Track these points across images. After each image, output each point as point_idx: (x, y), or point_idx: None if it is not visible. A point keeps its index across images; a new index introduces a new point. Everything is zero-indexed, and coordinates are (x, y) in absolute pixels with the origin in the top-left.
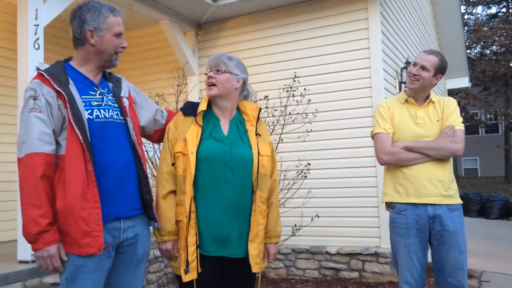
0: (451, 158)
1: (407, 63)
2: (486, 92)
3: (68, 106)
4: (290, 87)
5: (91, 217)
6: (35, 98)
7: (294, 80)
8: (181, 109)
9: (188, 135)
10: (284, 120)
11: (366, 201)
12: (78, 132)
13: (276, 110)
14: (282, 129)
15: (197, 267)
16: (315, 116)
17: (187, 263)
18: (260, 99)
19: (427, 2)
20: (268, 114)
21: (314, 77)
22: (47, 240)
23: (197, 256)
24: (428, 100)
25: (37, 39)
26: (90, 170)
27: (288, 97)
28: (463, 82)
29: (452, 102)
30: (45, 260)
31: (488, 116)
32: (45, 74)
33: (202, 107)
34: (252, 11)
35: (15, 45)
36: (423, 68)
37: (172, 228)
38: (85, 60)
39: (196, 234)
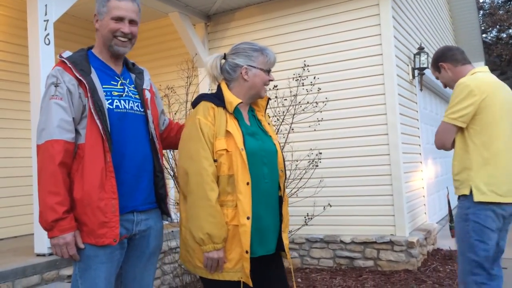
0: (461, 148)
1: (420, 48)
2: (503, 77)
3: (89, 95)
4: (299, 76)
5: (108, 208)
6: (56, 85)
7: (304, 69)
8: (207, 99)
9: (231, 129)
10: (294, 110)
11: (380, 190)
12: (98, 121)
13: (286, 99)
14: (293, 118)
15: (248, 271)
16: (325, 104)
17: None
18: (270, 89)
19: None
20: (278, 104)
21: (324, 65)
22: (63, 227)
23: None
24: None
25: (47, 34)
26: (109, 161)
27: (298, 86)
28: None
29: (455, 88)
30: (60, 248)
31: None
32: (67, 62)
33: (236, 98)
34: (260, 1)
35: (26, 41)
36: (436, 76)
37: (226, 234)
38: (99, 46)
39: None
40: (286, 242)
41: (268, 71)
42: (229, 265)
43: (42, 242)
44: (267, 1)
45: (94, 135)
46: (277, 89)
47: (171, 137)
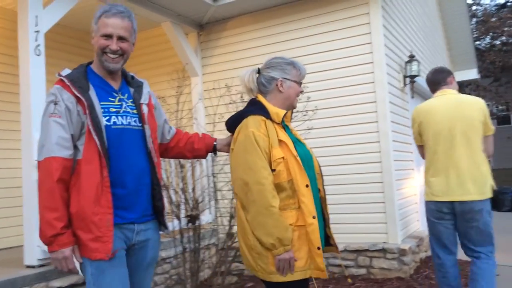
0: (425, 154)
1: (411, 56)
2: (497, 83)
3: (87, 112)
4: None
5: (103, 223)
6: (55, 103)
7: None
8: (254, 113)
9: (283, 138)
10: None
11: (372, 197)
12: (95, 137)
13: None
14: None
15: (323, 265)
16: (315, 113)
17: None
18: None
19: None
20: None
21: (315, 74)
22: (62, 242)
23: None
24: None
25: (38, 45)
26: (105, 176)
27: None
28: (472, 74)
29: None
30: (59, 262)
31: (500, 107)
32: (65, 80)
33: (281, 109)
34: (252, 10)
35: (16, 51)
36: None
37: (292, 235)
38: (96, 62)
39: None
40: (333, 236)
41: (300, 83)
42: (300, 263)
43: (31, 254)
44: (259, 10)
45: (91, 150)
46: None
47: (180, 147)
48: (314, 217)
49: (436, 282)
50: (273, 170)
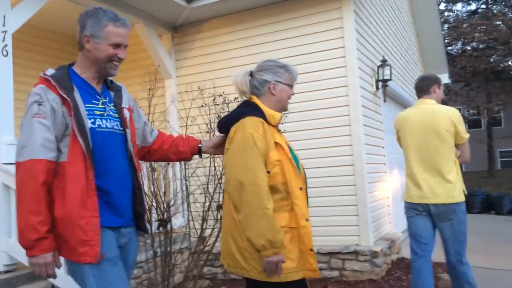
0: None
1: (383, 61)
2: (467, 88)
3: (72, 113)
4: None
5: (89, 226)
6: (39, 104)
7: None
8: (252, 114)
9: (279, 141)
10: None
11: (344, 200)
12: (80, 140)
13: None
14: None
15: (316, 266)
16: (287, 116)
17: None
18: (231, 101)
19: (405, 0)
20: None
21: None
22: (44, 247)
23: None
24: None
25: (5, 45)
26: (91, 178)
27: None
28: (443, 78)
29: None
30: (39, 267)
31: (471, 111)
32: (51, 80)
33: (277, 112)
34: (227, 13)
35: None
36: None
37: (283, 238)
38: (85, 65)
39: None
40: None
41: (292, 86)
42: (292, 264)
43: None
44: (233, 13)
45: (76, 153)
46: (238, 101)
47: (164, 150)
48: (307, 220)
49: (406, 284)
50: (268, 172)
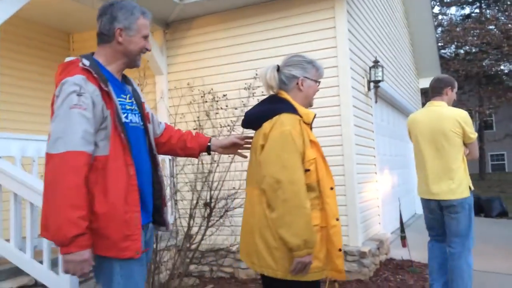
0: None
1: (375, 62)
2: (460, 91)
3: (114, 107)
4: (249, 86)
5: (132, 221)
6: (79, 94)
7: (256, 79)
8: (289, 111)
9: (314, 139)
10: None
11: None
12: (122, 135)
13: (237, 109)
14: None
15: (343, 267)
16: None
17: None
18: (220, 98)
19: (399, 2)
20: (228, 114)
21: None
22: (82, 243)
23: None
24: None
25: None
26: (132, 174)
27: (248, 97)
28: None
29: None
30: (75, 265)
31: None
32: (92, 72)
33: (312, 112)
34: (219, 10)
35: None
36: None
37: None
38: (112, 58)
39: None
40: None
41: (318, 82)
42: (319, 263)
43: None
44: (226, 10)
45: (117, 148)
46: (227, 99)
47: (172, 144)
48: (337, 219)
49: (394, 285)
50: (307, 170)
